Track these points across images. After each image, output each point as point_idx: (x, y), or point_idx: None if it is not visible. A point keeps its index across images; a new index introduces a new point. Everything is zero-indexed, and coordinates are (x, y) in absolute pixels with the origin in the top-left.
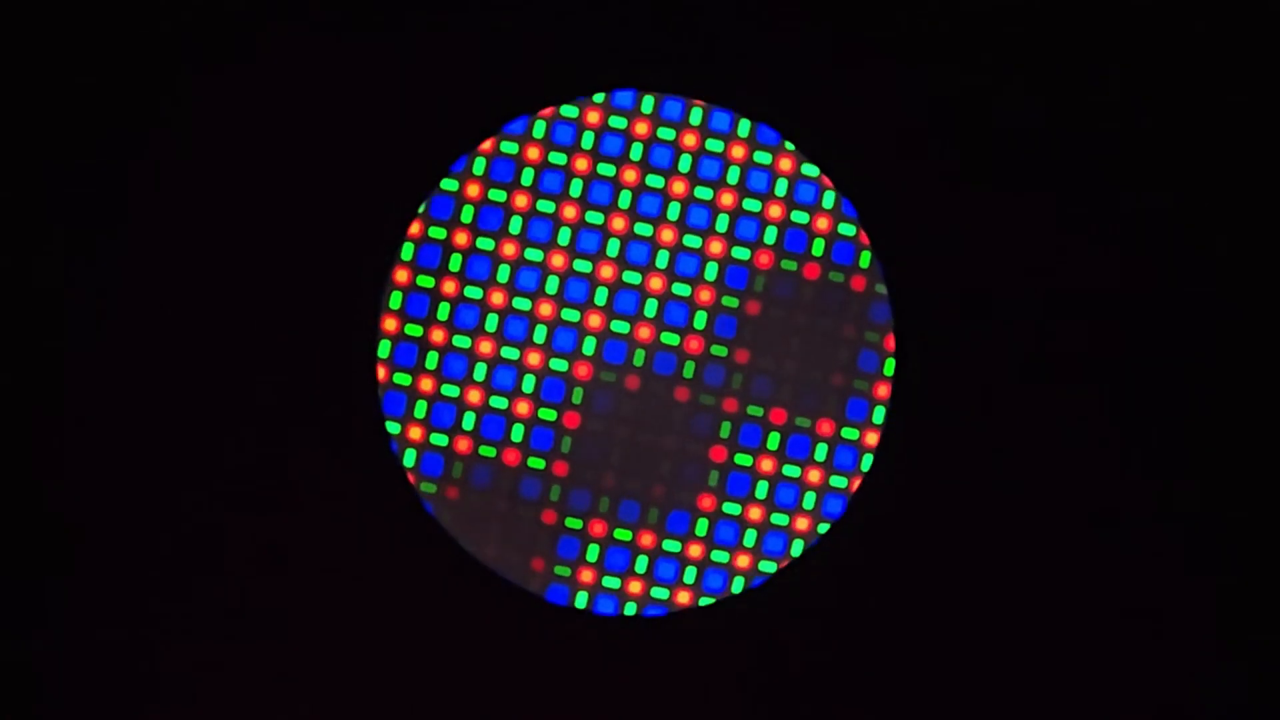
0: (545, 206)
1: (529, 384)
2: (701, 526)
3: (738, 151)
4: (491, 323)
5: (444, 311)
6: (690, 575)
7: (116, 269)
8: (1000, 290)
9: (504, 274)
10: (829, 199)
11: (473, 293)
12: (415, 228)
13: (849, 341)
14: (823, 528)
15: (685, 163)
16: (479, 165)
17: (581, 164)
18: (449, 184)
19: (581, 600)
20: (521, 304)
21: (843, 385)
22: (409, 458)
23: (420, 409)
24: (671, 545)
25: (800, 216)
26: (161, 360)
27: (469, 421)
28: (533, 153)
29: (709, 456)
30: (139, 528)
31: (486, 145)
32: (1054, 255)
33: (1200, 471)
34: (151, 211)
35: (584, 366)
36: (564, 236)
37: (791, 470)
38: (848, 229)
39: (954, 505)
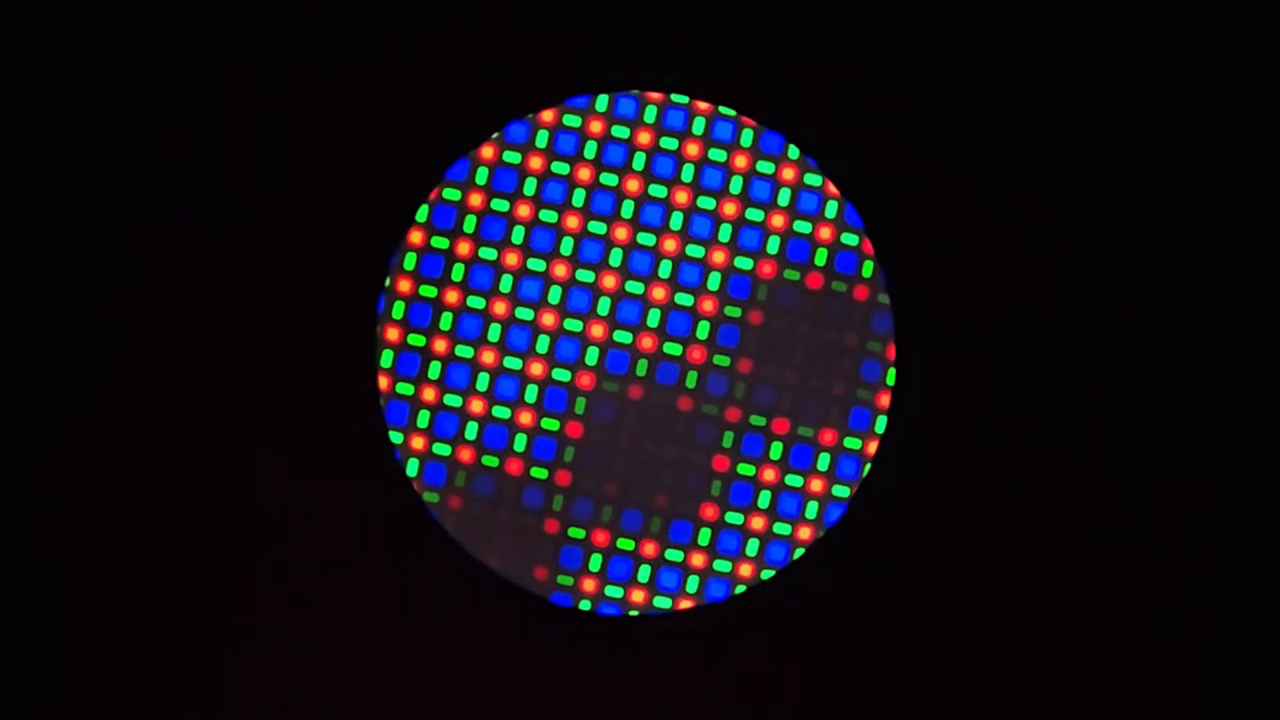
0: (548, 216)
1: (532, 393)
2: (704, 535)
3: (740, 161)
4: (494, 332)
5: (447, 321)
6: (693, 584)
7: (115, 280)
8: (1002, 300)
9: (507, 283)
10: (832, 208)
11: (475, 302)
12: (417, 237)
13: (852, 351)
14: (824, 534)
15: (688, 172)
16: (481, 174)
17: (584, 173)
18: (451, 193)
19: (584, 609)
20: (524, 314)
21: (845, 395)
22: (412, 467)
23: (423, 419)
24: (674, 554)
25: (803, 226)
26: (163, 369)
27: (472, 431)
28: (535, 162)
29: (711, 466)
30: (139, 534)
31: (489, 153)
32: (1057, 266)
33: (1200, 482)
34: (150, 219)
35: (587, 376)
36: (567, 246)
37: (794, 479)
38: (851, 239)
39: (955, 514)
